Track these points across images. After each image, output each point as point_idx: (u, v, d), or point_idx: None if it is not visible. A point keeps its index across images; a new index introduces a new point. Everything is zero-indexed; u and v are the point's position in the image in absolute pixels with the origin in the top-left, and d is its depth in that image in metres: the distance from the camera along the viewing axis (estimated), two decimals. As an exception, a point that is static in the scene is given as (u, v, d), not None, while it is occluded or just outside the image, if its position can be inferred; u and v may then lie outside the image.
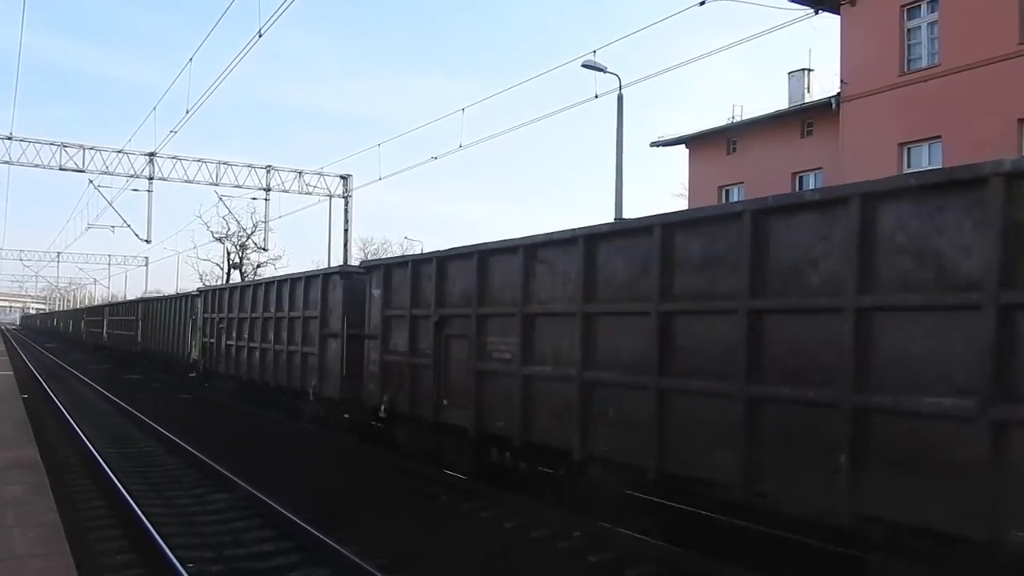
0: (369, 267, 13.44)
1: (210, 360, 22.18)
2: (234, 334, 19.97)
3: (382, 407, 12.34)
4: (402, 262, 12.22)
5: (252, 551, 8.02)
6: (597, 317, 8.10)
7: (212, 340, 21.88)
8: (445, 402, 10.79)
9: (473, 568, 7.61)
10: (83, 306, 73.55)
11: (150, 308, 32.23)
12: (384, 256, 60.05)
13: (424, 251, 17.90)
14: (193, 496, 10.55)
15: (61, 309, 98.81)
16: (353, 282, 14.00)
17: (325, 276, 15.15)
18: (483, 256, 10.01)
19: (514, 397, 9.21)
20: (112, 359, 39.27)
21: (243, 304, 19.39)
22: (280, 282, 17.49)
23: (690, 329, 7.13)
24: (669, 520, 8.30)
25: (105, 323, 43.98)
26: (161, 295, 37.76)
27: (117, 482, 10.43)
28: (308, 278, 15.87)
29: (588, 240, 8.26)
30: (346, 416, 14.54)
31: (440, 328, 10.84)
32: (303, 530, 8.33)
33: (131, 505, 9.20)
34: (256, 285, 19.35)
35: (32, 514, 7.40)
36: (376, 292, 12.66)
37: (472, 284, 10.08)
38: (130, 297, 59.15)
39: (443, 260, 10.95)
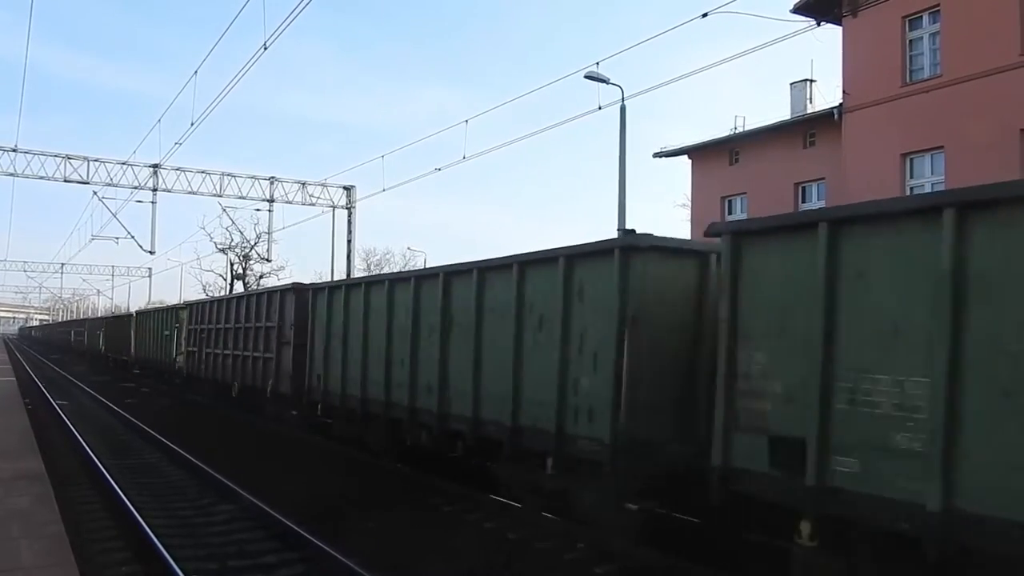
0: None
1: (193, 366, 24.15)
2: (212, 342, 22.05)
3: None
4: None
5: (256, 562, 8.02)
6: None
7: (195, 348, 23.97)
8: None
9: (477, 580, 7.62)
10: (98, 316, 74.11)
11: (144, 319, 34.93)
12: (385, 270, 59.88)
13: (427, 263, 20.32)
14: (173, 486, 10.70)
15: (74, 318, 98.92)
16: (302, 297, 16.12)
17: (282, 292, 17.35)
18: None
19: None
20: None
21: (219, 316, 21.55)
22: (248, 296, 20.27)
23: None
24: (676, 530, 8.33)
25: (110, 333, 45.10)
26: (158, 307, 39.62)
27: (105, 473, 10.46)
28: (269, 293, 18.19)
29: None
30: (294, 412, 16.84)
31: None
32: (307, 540, 8.34)
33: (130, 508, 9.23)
34: (230, 299, 21.72)
35: (37, 525, 7.43)
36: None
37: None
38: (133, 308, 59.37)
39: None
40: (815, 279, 5.94)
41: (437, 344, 10.80)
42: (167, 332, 28.38)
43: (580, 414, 8.18)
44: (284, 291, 17.27)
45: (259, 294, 19.29)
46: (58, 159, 30.19)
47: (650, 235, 7.90)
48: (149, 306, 48.28)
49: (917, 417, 5.22)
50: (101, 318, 54.87)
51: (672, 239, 8.34)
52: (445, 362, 10.67)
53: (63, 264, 69.06)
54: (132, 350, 35.51)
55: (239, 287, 47.65)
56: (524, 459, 9.20)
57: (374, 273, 50.36)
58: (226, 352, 20.71)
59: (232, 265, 48.94)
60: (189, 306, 26.45)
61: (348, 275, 33.58)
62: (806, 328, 6.00)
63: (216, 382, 21.66)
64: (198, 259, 52.81)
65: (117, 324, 42.93)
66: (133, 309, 48.16)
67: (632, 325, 7.54)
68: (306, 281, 18.27)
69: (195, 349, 23.89)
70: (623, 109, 21.10)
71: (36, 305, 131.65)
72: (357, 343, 13.22)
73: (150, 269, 69.05)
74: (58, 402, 22.12)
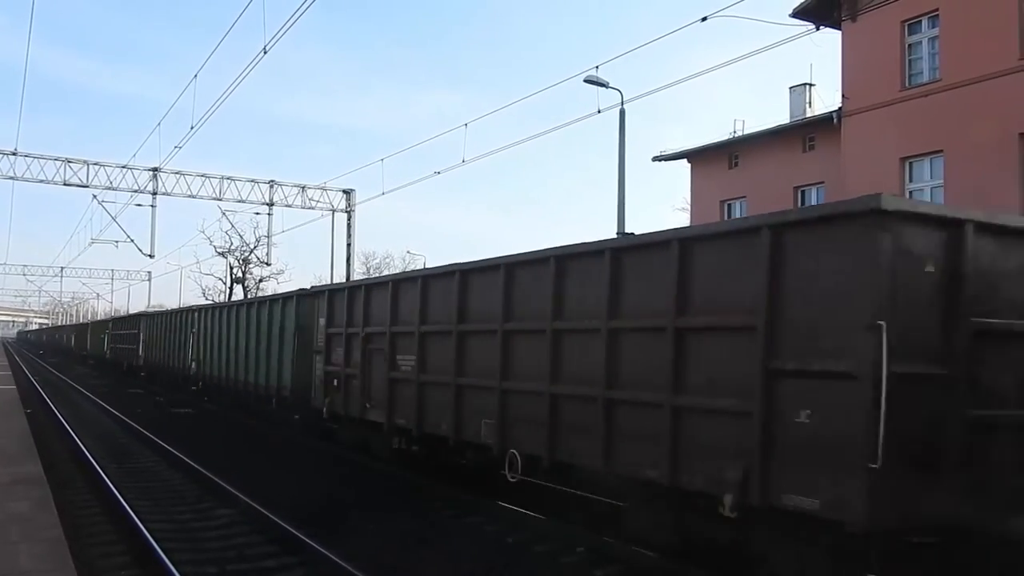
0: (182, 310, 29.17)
1: (113, 356, 40.01)
2: (120, 341, 37.58)
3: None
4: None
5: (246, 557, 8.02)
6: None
7: (114, 344, 39.83)
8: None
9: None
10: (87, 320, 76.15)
11: (92, 325, 55.34)
12: (386, 271, 59.84)
13: (426, 265, 22.53)
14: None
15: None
16: (146, 318, 33.37)
17: (139, 315, 32.71)
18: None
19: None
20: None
21: (123, 325, 36.87)
22: (130, 316, 33.88)
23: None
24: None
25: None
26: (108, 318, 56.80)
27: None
28: (136, 315, 33.83)
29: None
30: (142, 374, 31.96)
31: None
32: (303, 542, 8.33)
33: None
34: (127, 317, 36.44)
35: (36, 530, 7.41)
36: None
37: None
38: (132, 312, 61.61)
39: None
40: None
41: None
42: (103, 335, 43.90)
43: None
44: (141, 315, 34.61)
45: (134, 315, 35.44)
46: (58, 162, 30.16)
47: None
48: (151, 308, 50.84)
49: None
50: (74, 325, 78.97)
51: None
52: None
53: (63, 268, 69.26)
54: (88, 347, 52.44)
55: (239, 291, 47.70)
56: None
57: (348, 281, 51.59)
58: (124, 347, 36.18)
59: (232, 269, 48.90)
60: (112, 320, 45.18)
61: (347, 279, 33.57)
62: None
63: (120, 364, 37.44)
64: (198, 263, 52.71)
65: (81, 329, 61.08)
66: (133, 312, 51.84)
67: None
68: (307, 285, 20.08)
69: (114, 345, 39.81)
70: (622, 113, 21.10)
71: (36, 309, 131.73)
72: (165, 343, 28.20)
73: (149, 273, 69.32)
74: (52, 404, 22.55)
